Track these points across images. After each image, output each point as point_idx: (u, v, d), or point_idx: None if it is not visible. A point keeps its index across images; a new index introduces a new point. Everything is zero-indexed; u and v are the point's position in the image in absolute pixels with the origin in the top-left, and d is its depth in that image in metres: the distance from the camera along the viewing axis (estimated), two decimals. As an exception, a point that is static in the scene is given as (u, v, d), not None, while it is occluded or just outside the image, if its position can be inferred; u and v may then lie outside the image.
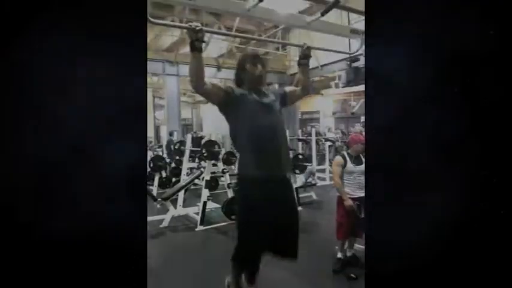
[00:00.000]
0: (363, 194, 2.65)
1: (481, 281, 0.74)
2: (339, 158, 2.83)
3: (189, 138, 5.27)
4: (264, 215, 1.52)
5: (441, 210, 0.76)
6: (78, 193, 0.79)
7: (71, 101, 0.79)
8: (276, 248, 1.65)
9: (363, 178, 2.69)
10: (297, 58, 1.80)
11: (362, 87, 7.74)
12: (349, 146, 2.86)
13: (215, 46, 10.04)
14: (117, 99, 0.83)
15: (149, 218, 3.91)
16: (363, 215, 2.59)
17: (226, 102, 1.54)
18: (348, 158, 2.74)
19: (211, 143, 4.69)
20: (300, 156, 5.19)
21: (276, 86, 9.77)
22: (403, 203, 0.80)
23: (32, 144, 0.77)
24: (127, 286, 0.81)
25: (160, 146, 8.14)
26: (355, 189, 2.68)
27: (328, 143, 7.43)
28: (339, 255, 2.74)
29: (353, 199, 2.64)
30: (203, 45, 1.41)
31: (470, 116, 0.76)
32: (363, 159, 2.74)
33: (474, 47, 0.76)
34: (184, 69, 9.13)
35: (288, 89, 1.79)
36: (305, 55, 1.75)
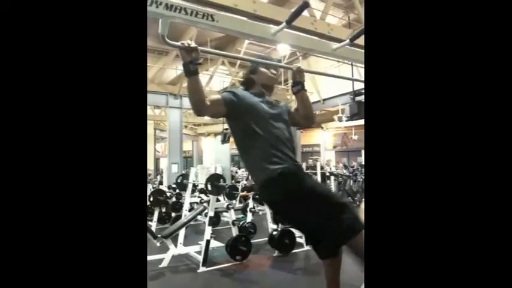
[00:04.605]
0: None
1: (482, 281, 0.70)
2: None
3: (192, 171, 5.07)
4: (314, 197, 1.38)
5: (442, 209, 0.74)
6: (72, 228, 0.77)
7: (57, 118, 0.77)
8: (343, 228, 1.36)
9: None
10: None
11: (362, 121, 7.81)
12: None
13: (218, 80, 10.16)
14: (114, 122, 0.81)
15: (147, 258, 3.62)
16: None
17: (231, 113, 1.47)
18: None
19: (216, 177, 4.49)
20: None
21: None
22: (404, 203, 0.77)
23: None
24: None
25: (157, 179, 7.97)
26: None
27: (333, 177, 7.60)
28: None
29: None
30: (197, 67, 1.30)
31: (475, 119, 0.73)
32: None
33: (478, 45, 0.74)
34: (187, 102, 9.16)
35: (292, 109, 1.70)
36: (296, 81, 1.66)
